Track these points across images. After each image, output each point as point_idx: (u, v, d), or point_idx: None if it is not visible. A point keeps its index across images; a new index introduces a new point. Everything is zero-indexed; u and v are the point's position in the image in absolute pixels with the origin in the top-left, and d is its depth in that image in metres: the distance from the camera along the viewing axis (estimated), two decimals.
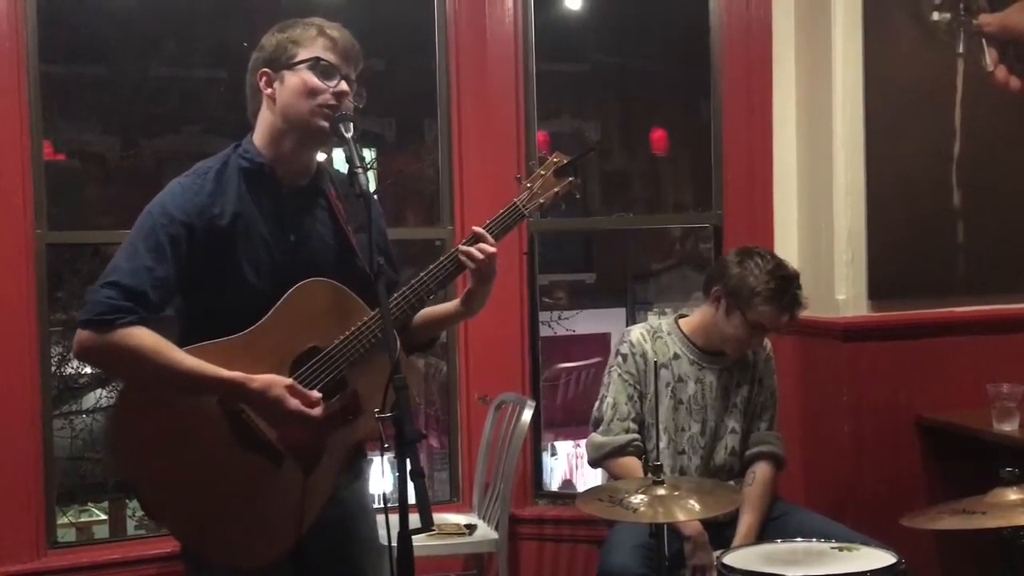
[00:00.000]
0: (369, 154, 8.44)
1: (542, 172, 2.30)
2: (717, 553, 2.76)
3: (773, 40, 3.90)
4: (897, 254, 3.68)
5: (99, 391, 6.44)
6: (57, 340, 5.00)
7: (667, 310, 5.77)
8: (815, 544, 2.71)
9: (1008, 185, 3.78)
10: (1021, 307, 3.79)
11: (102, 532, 6.34)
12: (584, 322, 9.88)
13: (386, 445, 1.85)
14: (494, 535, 3.62)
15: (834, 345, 3.64)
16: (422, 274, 2.19)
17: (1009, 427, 3.33)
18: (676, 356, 3.12)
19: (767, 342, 3.19)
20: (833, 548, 2.67)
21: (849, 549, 2.64)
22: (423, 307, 2.25)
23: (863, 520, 3.27)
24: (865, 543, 2.70)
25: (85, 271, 5.95)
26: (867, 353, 3.64)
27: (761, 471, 3.09)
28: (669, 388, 3.09)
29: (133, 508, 5.16)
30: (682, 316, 3.22)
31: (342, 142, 2.10)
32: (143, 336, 2.05)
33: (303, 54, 2.17)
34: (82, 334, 2.05)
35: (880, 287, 3.67)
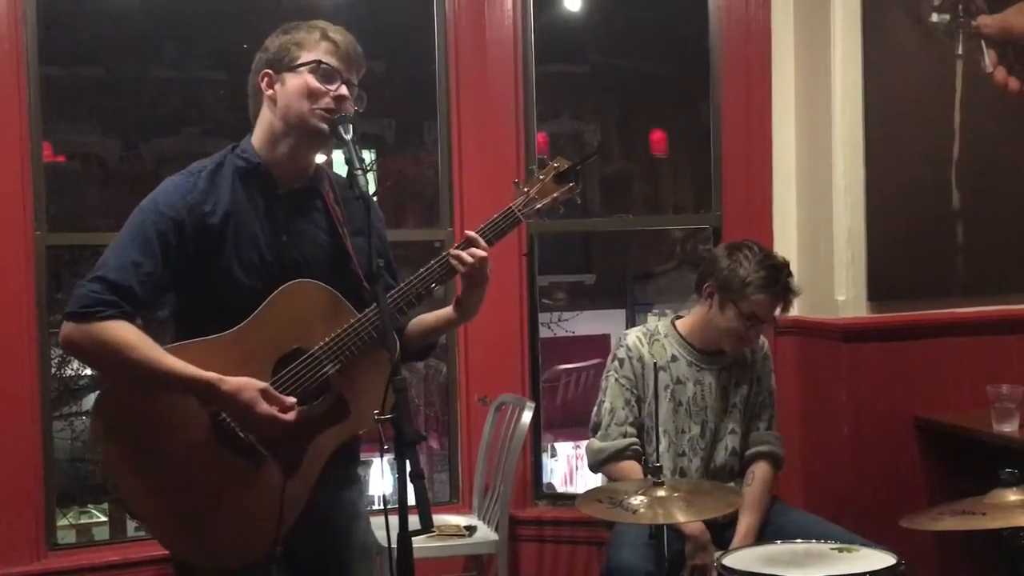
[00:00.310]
0: (369, 156, 8.45)
1: (541, 177, 2.27)
2: (717, 554, 2.77)
3: (772, 42, 3.90)
4: (896, 255, 3.68)
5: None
6: (57, 342, 5.00)
7: (667, 311, 5.78)
8: (815, 545, 2.71)
9: (1007, 186, 3.79)
10: (1021, 308, 3.79)
11: (102, 534, 6.34)
12: (584, 323, 9.89)
13: (386, 447, 1.84)
14: (494, 536, 3.62)
15: (833, 346, 3.64)
16: (411, 278, 2.17)
17: (1009, 428, 3.33)
18: (674, 358, 3.12)
19: (764, 340, 3.19)
20: (833, 549, 2.66)
21: (849, 550, 2.64)
22: (412, 311, 2.24)
23: (863, 521, 3.27)
24: (865, 544, 2.70)
25: (85, 273, 5.96)
26: (866, 354, 3.64)
27: (760, 471, 3.09)
28: (668, 390, 3.09)
29: None
30: (679, 317, 3.22)
31: (341, 144, 2.10)
32: (122, 330, 2.05)
33: (305, 56, 2.17)
34: (66, 326, 2.07)
35: (879, 288, 3.67)
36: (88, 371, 5.99)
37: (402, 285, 2.17)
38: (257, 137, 2.23)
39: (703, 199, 4.64)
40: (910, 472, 3.66)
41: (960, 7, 3.71)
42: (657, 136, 8.58)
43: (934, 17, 3.69)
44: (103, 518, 6.79)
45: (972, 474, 2.87)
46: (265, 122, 2.22)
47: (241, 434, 2.10)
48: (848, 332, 3.63)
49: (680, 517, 2.56)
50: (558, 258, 10.12)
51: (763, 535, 2.99)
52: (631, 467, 3.02)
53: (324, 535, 2.25)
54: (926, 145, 3.70)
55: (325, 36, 2.19)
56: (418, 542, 1.88)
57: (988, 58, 3.75)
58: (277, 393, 2.07)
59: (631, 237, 10.14)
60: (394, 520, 1.86)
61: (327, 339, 2.11)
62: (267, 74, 2.20)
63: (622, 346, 3.13)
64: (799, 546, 2.72)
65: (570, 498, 4.08)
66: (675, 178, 10.25)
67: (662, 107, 9.71)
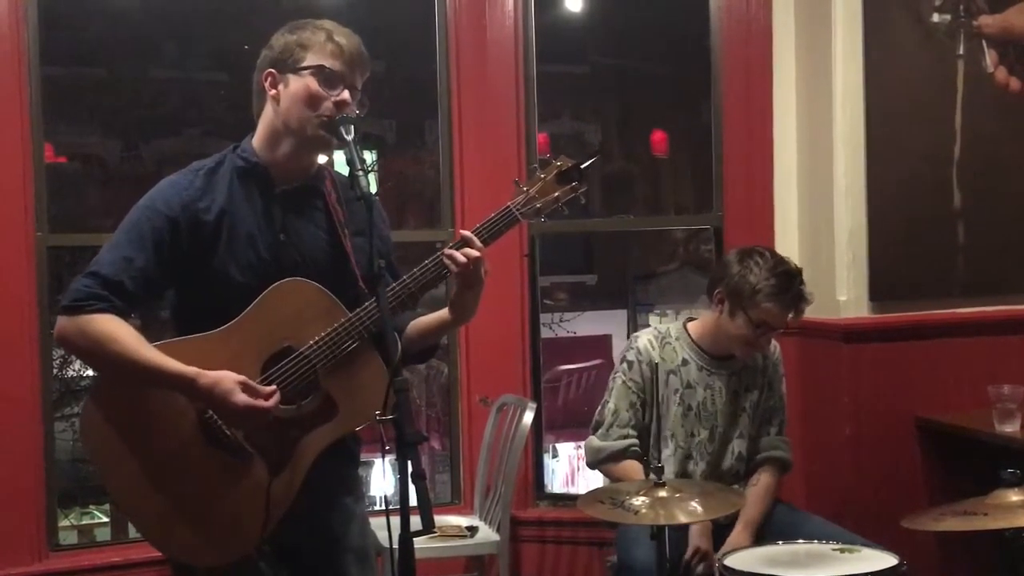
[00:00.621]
0: (370, 156, 8.45)
1: (542, 176, 2.24)
2: (718, 555, 2.77)
3: (773, 42, 3.91)
4: (898, 255, 3.68)
5: None
6: (59, 346, 5.00)
7: (668, 312, 5.77)
8: (816, 546, 2.71)
9: (1008, 186, 3.79)
10: (1022, 308, 3.79)
11: (104, 534, 6.33)
12: (585, 324, 9.87)
13: (387, 447, 1.84)
14: (495, 537, 3.62)
15: (835, 346, 3.64)
16: (404, 276, 2.15)
17: (1010, 428, 3.33)
18: (684, 362, 3.10)
19: (776, 345, 3.17)
20: (834, 550, 2.67)
21: (850, 551, 2.64)
22: (407, 310, 2.23)
23: (864, 522, 3.28)
24: (866, 545, 2.70)
25: None
26: (868, 354, 3.64)
27: (767, 475, 3.08)
28: (678, 394, 3.08)
29: None
30: (691, 320, 3.19)
31: (343, 144, 2.10)
32: (109, 323, 2.07)
33: (310, 60, 2.16)
34: (59, 319, 2.11)
35: (881, 288, 3.67)
36: (89, 372, 5.99)
37: (394, 285, 2.15)
38: (259, 136, 2.23)
39: (704, 199, 4.63)
40: (911, 472, 3.66)
41: (961, 7, 3.72)
42: (658, 136, 8.56)
43: (935, 17, 3.70)
44: (105, 519, 6.78)
45: (973, 474, 2.87)
46: (267, 121, 2.22)
47: (227, 432, 2.10)
48: (849, 332, 3.63)
49: (682, 518, 2.56)
50: (559, 259, 10.11)
51: (763, 536, 2.99)
52: (631, 466, 3.02)
53: (321, 538, 2.25)
54: (927, 145, 3.71)
55: (330, 39, 2.17)
56: (419, 543, 1.88)
57: (989, 58, 3.75)
58: (255, 384, 2.07)
59: (632, 237, 10.12)
60: (396, 521, 1.86)
61: (317, 338, 2.10)
62: (271, 73, 2.19)
63: (632, 348, 3.12)
64: (800, 547, 2.72)
65: (571, 499, 4.08)
66: (676, 178, 10.25)
67: (663, 107, 9.70)
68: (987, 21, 3.74)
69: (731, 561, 2.60)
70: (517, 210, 2.20)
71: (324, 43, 2.17)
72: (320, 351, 2.10)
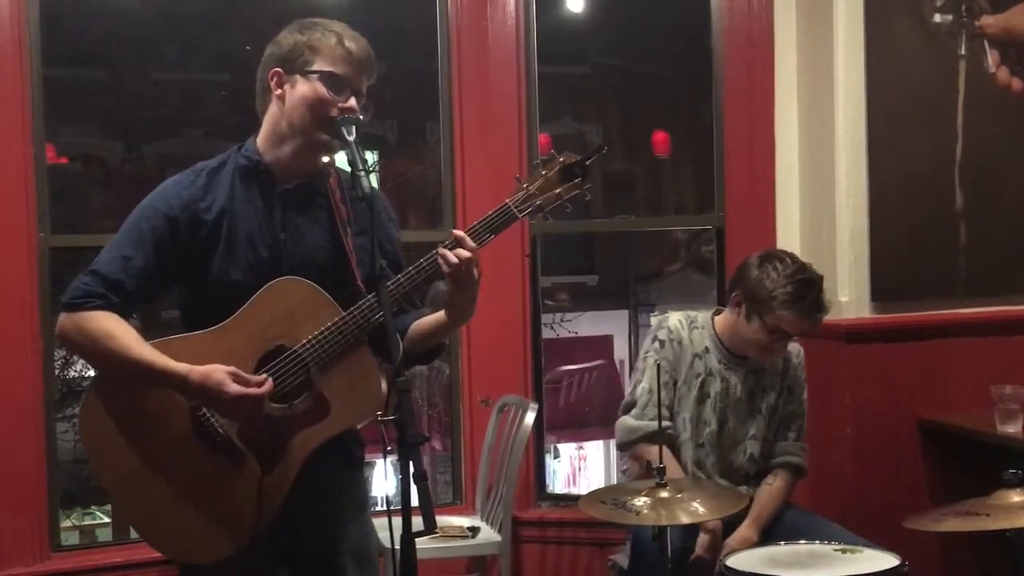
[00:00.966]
0: (371, 156, 8.45)
1: (543, 172, 2.20)
2: (721, 556, 2.77)
3: (775, 42, 3.90)
4: (899, 256, 3.68)
5: None
6: (60, 343, 5.00)
7: (669, 312, 5.75)
8: (818, 546, 2.71)
9: (1011, 187, 3.78)
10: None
11: (105, 535, 6.35)
12: (586, 324, 9.88)
13: (389, 448, 1.84)
14: (497, 537, 3.62)
15: (837, 347, 3.64)
16: (399, 275, 2.14)
17: (1012, 429, 3.32)
18: (707, 350, 3.09)
19: (800, 349, 3.15)
20: (836, 550, 2.67)
21: (852, 551, 2.64)
22: (404, 309, 2.23)
23: (866, 522, 3.27)
24: (868, 545, 2.70)
25: None
26: (870, 355, 3.63)
27: (780, 479, 3.07)
28: (699, 379, 3.07)
29: None
30: (718, 312, 3.16)
31: (345, 145, 2.10)
32: (106, 321, 2.10)
33: (319, 64, 2.15)
34: (60, 317, 2.15)
35: (883, 289, 3.67)
36: (91, 372, 5.99)
37: (389, 284, 2.13)
38: (262, 135, 2.24)
39: (706, 200, 4.63)
40: (913, 473, 3.65)
41: (963, 7, 3.71)
42: (659, 137, 8.56)
43: (937, 17, 3.69)
44: (106, 519, 6.79)
45: (975, 475, 2.86)
46: (272, 120, 2.22)
47: (219, 430, 2.10)
48: (851, 333, 3.63)
49: (685, 519, 2.56)
50: (561, 259, 10.12)
51: (767, 536, 2.98)
52: (660, 453, 2.98)
53: (319, 540, 2.25)
54: (929, 146, 3.70)
55: (341, 43, 2.17)
56: (421, 543, 1.88)
57: (991, 58, 3.75)
58: (245, 374, 2.07)
59: (634, 238, 10.13)
60: (397, 521, 1.86)
61: (310, 337, 2.10)
62: (277, 72, 2.19)
63: (663, 328, 3.10)
64: (802, 547, 2.72)
65: (573, 499, 4.08)
66: (678, 179, 10.24)
67: (664, 108, 9.71)
68: (989, 21, 3.74)
69: (732, 561, 2.60)
70: (515, 207, 2.17)
71: (335, 47, 2.16)
72: (313, 350, 2.10)
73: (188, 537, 2.15)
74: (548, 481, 4.27)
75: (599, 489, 2.84)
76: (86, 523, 6.86)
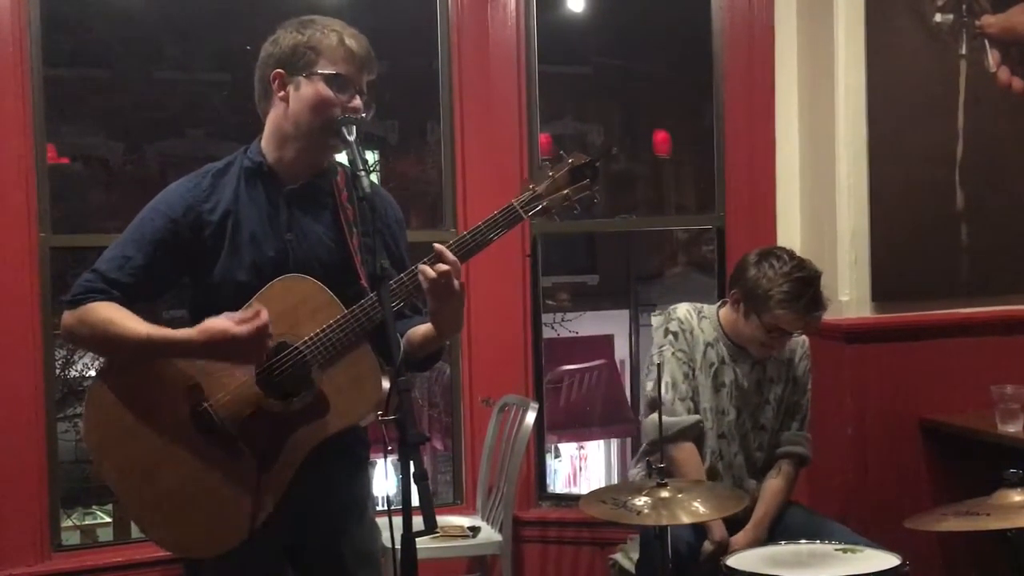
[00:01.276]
0: (372, 156, 8.45)
1: (551, 174, 2.17)
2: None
3: (776, 42, 3.90)
4: (900, 256, 3.68)
5: None
6: (61, 343, 5.01)
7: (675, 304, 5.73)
8: (819, 546, 2.71)
9: (1011, 186, 3.78)
10: None
11: (106, 535, 6.35)
12: (587, 324, 9.89)
13: (389, 448, 1.84)
14: (498, 537, 3.62)
15: (837, 347, 3.64)
16: (402, 275, 2.13)
17: (1013, 429, 3.32)
18: (716, 340, 3.08)
19: (805, 339, 3.14)
20: (837, 550, 2.66)
21: (853, 551, 2.64)
22: (400, 313, 2.21)
23: (867, 522, 3.27)
24: (869, 545, 2.70)
25: None
26: (870, 355, 3.63)
27: (787, 469, 3.07)
28: (712, 368, 3.06)
29: None
30: (723, 305, 3.14)
31: (345, 145, 2.10)
32: (106, 309, 2.12)
33: (321, 64, 2.15)
34: (63, 315, 2.18)
35: (883, 289, 3.67)
36: (92, 373, 5.99)
37: (391, 283, 2.10)
38: (267, 136, 2.24)
39: (706, 200, 4.63)
40: (914, 473, 3.65)
41: (963, 7, 3.71)
42: (660, 137, 8.57)
43: (937, 17, 3.69)
44: (107, 519, 6.80)
45: (976, 475, 2.86)
46: (275, 122, 2.22)
47: (220, 426, 2.11)
48: (852, 333, 3.63)
49: (686, 519, 2.56)
50: (562, 259, 10.13)
51: (771, 532, 2.98)
52: (692, 455, 2.96)
53: (323, 538, 2.25)
54: (930, 146, 3.70)
55: (342, 42, 2.16)
56: (422, 543, 1.88)
57: (992, 58, 3.75)
58: (239, 313, 2.06)
59: (635, 238, 10.14)
60: (398, 521, 1.86)
61: (312, 334, 2.10)
62: (279, 74, 2.18)
63: (673, 319, 3.08)
64: (803, 547, 2.72)
65: (574, 499, 4.08)
66: (678, 179, 10.26)
67: (665, 108, 9.72)
68: (989, 21, 3.74)
69: (734, 561, 2.60)
70: (520, 207, 2.14)
71: (336, 47, 2.15)
72: (314, 347, 2.10)
73: (188, 531, 2.15)
74: (549, 481, 4.27)
75: (600, 489, 2.84)
76: (87, 523, 6.87)
